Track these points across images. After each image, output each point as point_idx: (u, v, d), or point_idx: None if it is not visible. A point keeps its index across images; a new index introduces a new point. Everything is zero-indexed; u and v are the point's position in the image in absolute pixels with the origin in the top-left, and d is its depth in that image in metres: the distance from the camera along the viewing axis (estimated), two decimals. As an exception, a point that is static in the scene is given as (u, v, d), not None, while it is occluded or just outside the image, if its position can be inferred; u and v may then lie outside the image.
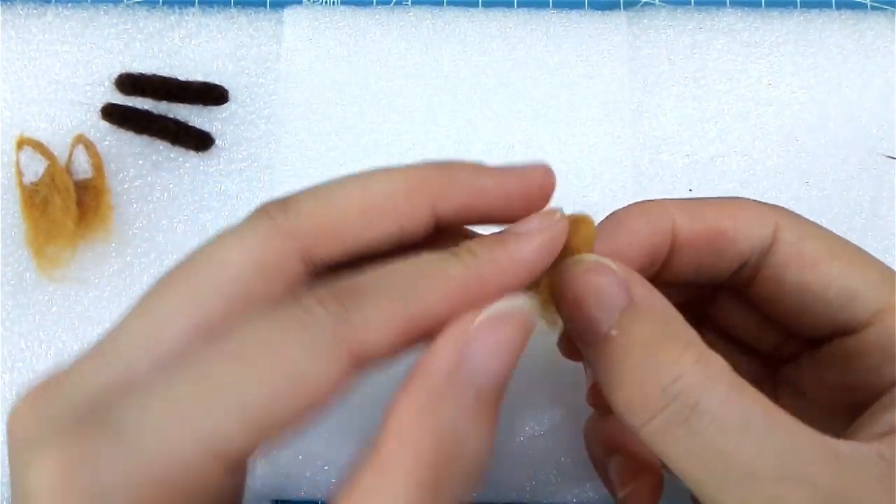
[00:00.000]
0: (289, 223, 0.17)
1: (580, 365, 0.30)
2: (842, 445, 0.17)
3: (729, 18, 0.34)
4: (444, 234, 0.19)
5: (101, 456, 0.15)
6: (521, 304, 0.17)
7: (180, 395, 0.15)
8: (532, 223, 0.19)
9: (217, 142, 0.32)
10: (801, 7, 0.35)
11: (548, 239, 0.18)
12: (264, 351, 0.16)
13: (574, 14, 0.34)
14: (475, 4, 0.35)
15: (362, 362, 0.16)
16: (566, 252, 0.19)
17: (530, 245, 0.18)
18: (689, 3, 0.35)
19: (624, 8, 0.35)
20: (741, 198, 0.22)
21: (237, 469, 0.16)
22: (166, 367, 0.16)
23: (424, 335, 0.17)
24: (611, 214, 0.22)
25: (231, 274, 0.17)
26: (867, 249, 0.31)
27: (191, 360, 0.16)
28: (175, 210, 0.32)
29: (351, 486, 0.16)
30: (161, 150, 0.32)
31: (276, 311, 0.16)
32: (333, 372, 0.16)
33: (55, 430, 0.15)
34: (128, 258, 0.31)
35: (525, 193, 0.20)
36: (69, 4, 0.34)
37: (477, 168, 0.20)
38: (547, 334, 0.21)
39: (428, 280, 0.17)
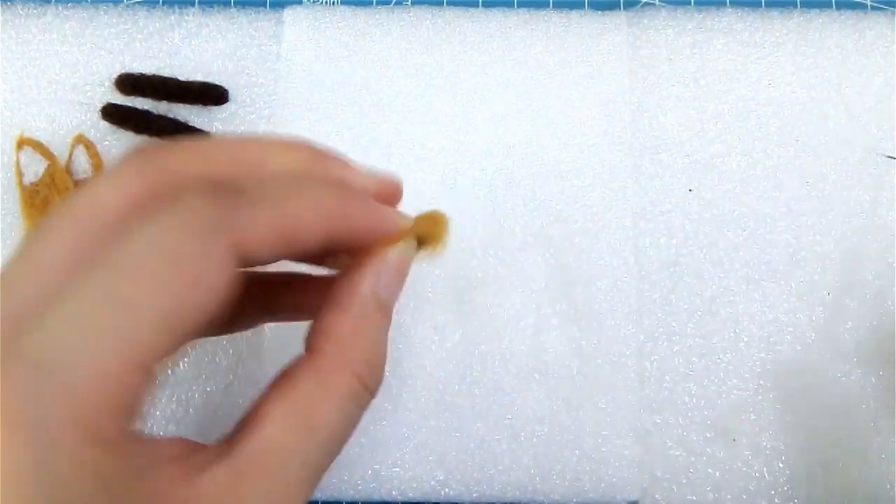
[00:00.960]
0: (158, 164, 0.18)
1: (580, 366, 0.30)
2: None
3: (729, 18, 0.34)
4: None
5: (28, 393, 0.15)
6: (411, 249, 0.22)
7: (89, 314, 0.16)
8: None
9: (217, 142, 0.32)
10: (801, 7, 0.35)
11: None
12: (161, 255, 0.16)
13: (574, 14, 0.34)
14: (475, 4, 0.35)
15: (246, 259, 0.18)
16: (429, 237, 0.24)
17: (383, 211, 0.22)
18: (689, 3, 0.35)
19: (624, 8, 0.35)
20: None
21: (154, 373, 0.17)
22: (65, 289, 0.16)
23: (296, 243, 0.19)
24: None
25: (106, 210, 0.17)
26: (867, 249, 0.32)
27: (89, 277, 0.16)
28: (175, 210, 0.32)
29: (293, 389, 0.19)
30: (161, 151, 0.32)
31: (164, 215, 0.17)
32: (226, 266, 0.17)
33: None
34: (128, 258, 0.31)
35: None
36: (69, 4, 0.34)
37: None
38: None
39: (305, 195, 0.19)
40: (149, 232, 0.17)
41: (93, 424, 0.15)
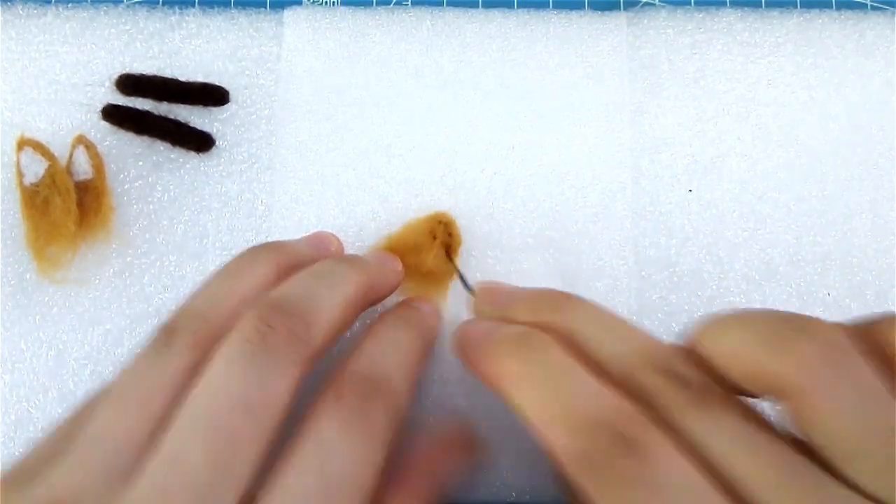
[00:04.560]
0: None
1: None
2: None
3: (729, 18, 0.34)
4: None
5: None
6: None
7: None
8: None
9: (217, 143, 0.32)
10: (801, 7, 0.35)
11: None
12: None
13: (574, 14, 0.34)
14: (475, 5, 0.35)
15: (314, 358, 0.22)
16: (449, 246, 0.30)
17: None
18: (689, 3, 0.35)
19: (624, 8, 0.35)
20: None
21: None
22: None
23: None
24: None
25: None
26: (867, 249, 0.32)
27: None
28: (176, 211, 0.32)
29: None
30: (161, 151, 0.32)
31: (234, 357, 0.20)
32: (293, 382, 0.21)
33: None
34: (128, 259, 0.31)
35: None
36: (69, 5, 0.34)
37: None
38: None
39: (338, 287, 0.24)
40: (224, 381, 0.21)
41: None
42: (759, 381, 0.18)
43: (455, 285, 0.30)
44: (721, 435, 0.18)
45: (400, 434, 0.22)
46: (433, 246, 0.29)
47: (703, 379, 0.19)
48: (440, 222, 0.30)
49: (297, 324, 0.22)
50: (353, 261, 0.27)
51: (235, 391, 0.20)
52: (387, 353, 0.24)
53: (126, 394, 0.21)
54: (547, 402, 0.19)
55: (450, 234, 0.30)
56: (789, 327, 0.18)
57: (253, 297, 0.24)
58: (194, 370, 0.21)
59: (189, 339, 0.22)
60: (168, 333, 0.22)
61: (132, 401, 0.20)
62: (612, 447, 0.17)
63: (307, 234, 0.31)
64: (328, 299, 0.23)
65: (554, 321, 0.21)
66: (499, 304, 0.25)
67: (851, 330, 0.19)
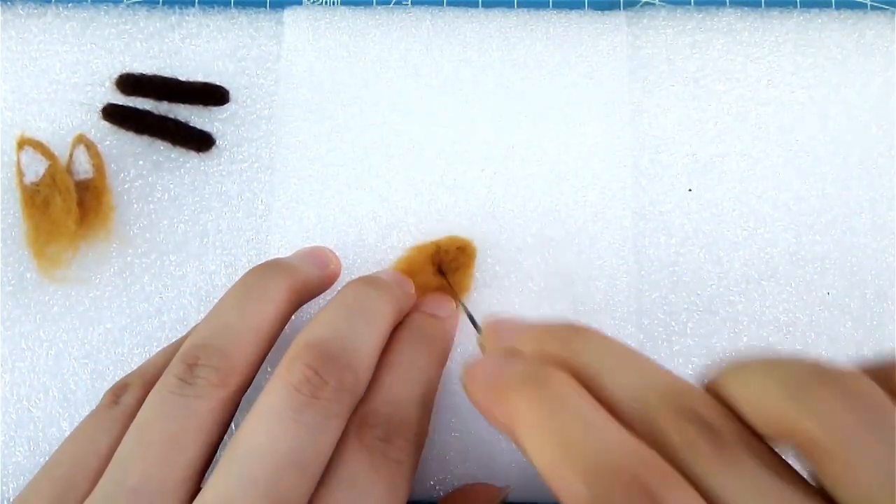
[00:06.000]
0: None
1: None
2: None
3: (729, 18, 0.34)
4: None
5: None
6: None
7: None
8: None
9: (218, 142, 0.32)
10: (801, 7, 0.35)
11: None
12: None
13: (574, 14, 0.34)
14: (475, 4, 0.35)
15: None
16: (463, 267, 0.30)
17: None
18: (689, 3, 0.35)
19: (624, 8, 0.35)
20: None
21: None
22: None
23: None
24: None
25: None
26: (867, 249, 0.32)
27: None
28: (176, 210, 0.32)
29: None
30: (162, 151, 0.32)
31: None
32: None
33: None
34: (128, 258, 0.31)
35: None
36: (69, 4, 0.34)
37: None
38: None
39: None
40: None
41: None
42: (782, 432, 0.16)
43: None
44: (750, 496, 0.16)
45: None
46: (436, 275, 0.29)
47: (730, 426, 0.17)
48: (450, 249, 0.30)
49: (345, 374, 0.21)
50: (381, 286, 0.26)
51: (285, 448, 0.19)
52: (406, 386, 0.24)
53: (153, 438, 0.20)
54: (558, 444, 0.17)
55: (455, 260, 0.30)
56: (812, 376, 0.16)
57: (270, 327, 0.23)
58: (222, 410, 0.21)
59: (212, 377, 0.21)
60: (187, 368, 0.21)
61: (162, 445, 0.20)
62: (632, 498, 0.15)
63: (305, 241, 0.31)
64: (369, 341, 0.23)
65: (564, 353, 0.20)
66: (505, 339, 0.22)
67: (872, 373, 0.17)
